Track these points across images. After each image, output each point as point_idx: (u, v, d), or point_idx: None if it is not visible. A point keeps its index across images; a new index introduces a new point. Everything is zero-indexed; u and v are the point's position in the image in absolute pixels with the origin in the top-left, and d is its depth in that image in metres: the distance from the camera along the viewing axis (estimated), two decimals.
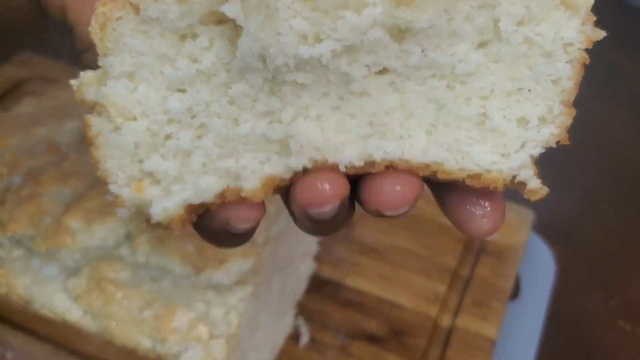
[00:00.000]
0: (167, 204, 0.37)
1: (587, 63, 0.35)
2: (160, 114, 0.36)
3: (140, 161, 0.37)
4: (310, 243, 0.90)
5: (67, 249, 0.69)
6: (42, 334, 0.73)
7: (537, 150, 0.36)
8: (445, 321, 0.86)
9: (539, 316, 0.89)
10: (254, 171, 0.37)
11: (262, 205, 0.38)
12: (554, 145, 0.37)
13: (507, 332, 0.87)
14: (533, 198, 0.37)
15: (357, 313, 0.87)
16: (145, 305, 0.66)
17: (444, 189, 0.39)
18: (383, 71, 0.36)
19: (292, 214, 0.39)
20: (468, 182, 0.36)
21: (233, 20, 0.34)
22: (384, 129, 0.36)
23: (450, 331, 0.85)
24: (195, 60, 0.35)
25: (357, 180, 0.38)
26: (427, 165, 0.37)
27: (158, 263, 0.68)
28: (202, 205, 0.37)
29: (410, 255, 0.93)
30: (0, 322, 0.75)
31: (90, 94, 0.35)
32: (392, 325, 0.86)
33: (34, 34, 1.24)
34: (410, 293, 0.89)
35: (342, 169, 0.36)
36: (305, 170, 0.37)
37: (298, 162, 0.36)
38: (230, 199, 0.37)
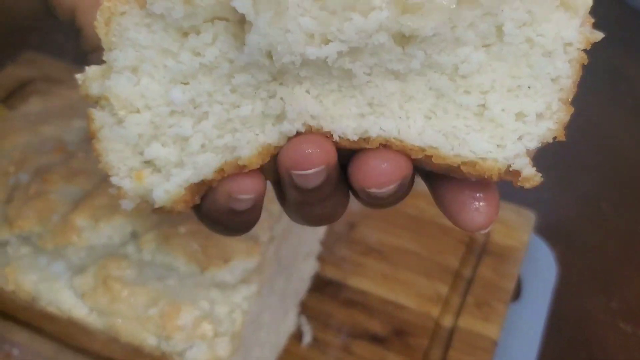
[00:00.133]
0: (167, 186, 0.37)
1: (585, 63, 0.36)
2: (163, 106, 0.37)
3: (142, 152, 0.37)
4: (313, 243, 0.90)
5: (74, 247, 0.69)
6: (47, 331, 0.74)
7: (533, 144, 0.37)
8: (447, 321, 0.87)
9: (541, 317, 0.89)
10: (250, 141, 0.37)
11: (261, 178, 0.38)
12: (551, 141, 0.37)
13: (509, 332, 0.87)
14: (527, 185, 0.37)
15: (359, 313, 0.88)
16: (150, 303, 0.67)
17: (439, 182, 0.40)
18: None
19: (280, 183, 0.39)
20: (463, 169, 0.37)
21: (237, 18, 0.35)
22: (383, 109, 0.37)
23: (452, 331, 0.85)
24: (198, 54, 0.36)
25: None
26: (422, 149, 0.37)
27: (163, 261, 0.69)
28: (202, 183, 0.38)
29: (412, 256, 0.94)
30: (7, 320, 0.76)
31: (94, 88, 0.36)
32: (394, 325, 0.87)
33: (39, 34, 1.24)
34: (413, 293, 0.89)
35: (336, 138, 0.37)
36: (298, 133, 0.37)
37: (291, 128, 0.37)
38: (229, 172, 0.37)
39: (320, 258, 0.92)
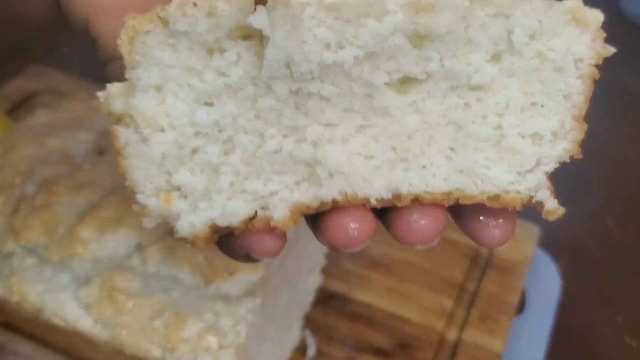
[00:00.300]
0: (194, 220, 0.37)
1: (597, 78, 0.36)
2: (188, 126, 0.37)
3: (168, 173, 0.37)
4: (317, 256, 0.90)
5: (79, 259, 0.69)
6: (52, 343, 0.74)
7: (551, 167, 0.38)
8: (452, 335, 0.87)
9: (545, 331, 0.89)
10: (283, 199, 0.38)
11: (284, 236, 0.39)
12: (568, 160, 0.38)
13: (513, 346, 0.87)
14: (551, 218, 0.38)
15: (363, 326, 0.88)
16: (155, 314, 0.67)
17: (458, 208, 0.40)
18: (404, 84, 0.37)
19: (318, 239, 0.40)
20: (488, 204, 0.38)
21: (259, 35, 0.35)
22: (407, 155, 0.38)
23: (456, 345, 0.85)
24: (222, 74, 0.36)
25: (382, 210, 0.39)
26: (450, 194, 0.38)
27: (168, 273, 0.69)
28: (227, 227, 0.38)
29: (417, 269, 0.94)
30: (12, 331, 0.76)
31: (117, 106, 0.36)
32: (398, 338, 0.86)
33: (46, 47, 1.25)
34: (417, 307, 0.89)
35: (373, 202, 0.38)
36: (335, 202, 0.38)
37: (329, 194, 0.37)
38: (258, 228, 0.37)
39: (325, 271, 0.92)
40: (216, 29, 0.35)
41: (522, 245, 0.95)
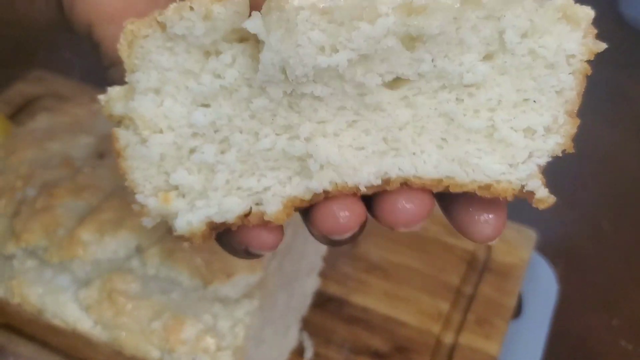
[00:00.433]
0: (191, 218, 0.38)
1: (589, 74, 0.37)
2: (185, 128, 0.38)
3: (167, 173, 0.38)
4: (315, 259, 0.91)
5: (79, 261, 0.70)
6: (52, 344, 0.74)
7: (543, 160, 0.38)
8: (448, 338, 0.87)
9: (541, 335, 0.90)
10: (276, 194, 0.38)
11: (281, 230, 0.40)
12: (560, 154, 0.38)
13: (510, 350, 0.87)
14: (541, 206, 0.38)
15: (361, 329, 0.88)
16: (154, 316, 0.67)
17: (449, 196, 0.41)
18: (396, 82, 0.38)
19: (310, 232, 0.41)
20: (479, 193, 0.38)
21: (254, 38, 0.36)
22: (398, 145, 0.38)
23: (453, 348, 0.86)
24: (218, 76, 0.37)
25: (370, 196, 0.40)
26: (440, 180, 0.38)
27: (167, 275, 0.70)
28: (223, 224, 0.39)
29: (414, 273, 0.94)
30: (12, 333, 0.76)
31: (118, 109, 0.37)
32: (395, 341, 0.87)
33: (47, 52, 1.26)
34: (414, 310, 0.90)
35: (363, 189, 0.38)
36: (326, 192, 0.38)
37: (319, 185, 0.38)
38: (253, 222, 0.38)
39: (323, 274, 0.93)
40: (212, 31, 0.36)
41: (519, 249, 0.96)
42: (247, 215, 0.39)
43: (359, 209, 0.39)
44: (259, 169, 0.39)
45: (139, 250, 0.71)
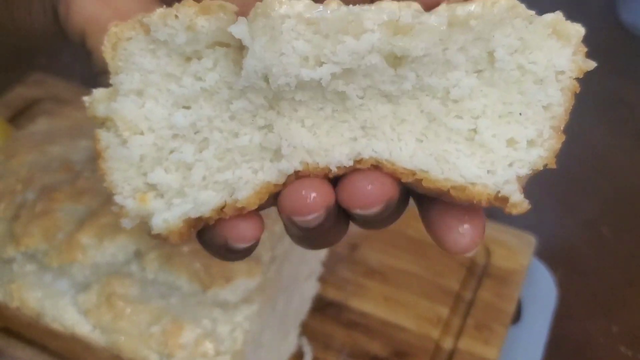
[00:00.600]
0: (167, 216, 0.38)
1: (578, 92, 0.37)
2: (166, 129, 0.38)
3: (145, 174, 0.38)
4: (314, 264, 0.91)
5: (79, 265, 0.70)
6: (51, 348, 0.74)
7: (524, 171, 0.37)
8: (448, 343, 0.87)
9: (540, 340, 0.90)
10: (248, 181, 0.38)
11: (259, 221, 0.39)
12: (542, 168, 0.37)
13: (509, 355, 0.87)
14: (514, 211, 0.37)
15: (360, 334, 0.88)
16: (153, 320, 0.67)
17: (428, 204, 0.40)
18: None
19: (280, 214, 0.40)
20: (452, 193, 0.37)
21: (238, 43, 0.36)
22: (375, 132, 0.38)
23: (452, 353, 0.86)
24: (199, 79, 0.37)
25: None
26: (413, 172, 0.37)
27: (166, 280, 0.70)
28: (200, 219, 0.38)
29: (413, 278, 0.94)
30: (11, 337, 0.76)
31: (101, 110, 0.37)
32: (394, 346, 0.87)
33: (47, 56, 1.26)
34: (413, 315, 0.90)
35: (334, 169, 0.38)
36: (297, 173, 0.38)
37: (289, 166, 0.38)
38: (229, 214, 0.38)
39: (322, 279, 0.93)
40: (194, 42, 0.36)
41: (518, 254, 0.96)
42: (222, 208, 0.38)
43: (327, 190, 0.38)
44: (236, 163, 0.39)
45: (138, 254, 0.71)
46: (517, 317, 0.92)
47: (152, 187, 0.38)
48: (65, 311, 0.69)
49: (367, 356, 0.86)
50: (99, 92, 0.37)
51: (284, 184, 0.38)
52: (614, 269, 1.04)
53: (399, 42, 0.35)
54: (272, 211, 0.42)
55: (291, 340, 0.86)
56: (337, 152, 0.38)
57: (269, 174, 0.38)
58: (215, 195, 0.38)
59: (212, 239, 0.40)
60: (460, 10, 0.35)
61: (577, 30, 0.36)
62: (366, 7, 0.35)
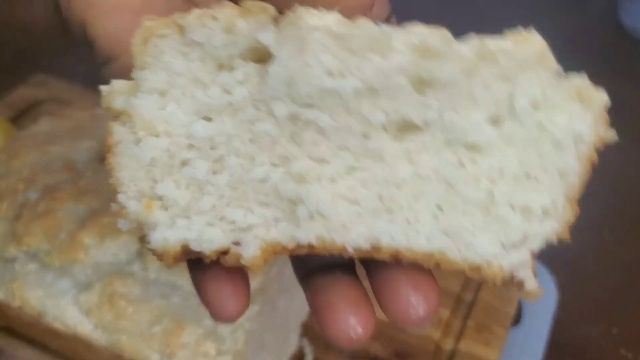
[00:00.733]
0: (169, 235, 0.37)
1: (596, 162, 0.35)
2: (182, 137, 0.36)
3: (154, 180, 0.37)
4: None
5: (80, 264, 0.70)
6: (52, 348, 0.74)
7: (537, 245, 0.36)
8: (448, 345, 0.87)
9: (541, 342, 0.90)
10: (257, 237, 0.37)
11: (247, 302, 0.38)
12: (555, 242, 0.36)
13: (509, 357, 0.87)
14: (530, 299, 0.37)
15: None
16: (155, 320, 0.68)
17: (375, 268, 0.38)
18: (401, 130, 0.36)
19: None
20: (468, 273, 0.36)
21: (269, 59, 0.35)
22: (392, 206, 0.36)
23: (452, 355, 0.86)
24: (227, 92, 0.36)
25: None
26: (431, 255, 0.36)
27: (168, 280, 0.70)
28: (199, 253, 0.37)
29: None
30: (12, 336, 0.76)
31: (118, 103, 0.36)
32: (395, 347, 0.87)
33: (50, 57, 1.27)
34: None
35: (350, 250, 0.36)
36: (310, 247, 0.37)
37: (305, 237, 0.36)
38: (229, 263, 0.37)
39: None
40: (231, 45, 0.35)
41: None
42: (224, 253, 0.37)
43: (371, 319, 0.37)
44: (248, 200, 0.37)
45: (140, 254, 0.71)
46: (517, 319, 0.92)
47: (159, 197, 0.37)
48: (66, 310, 0.70)
49: (368, 357, 0.86)
50: (118, 84, 0.36)
51: (293, 249, 0.37)
52: (615, 271, 1.04)
53: (427, 64, 0.34)
54: None
55: (292, 341, 0.86)
56: (355, 231, 0.36)
57: (282, 235, 0.37)
58: (221, 236, 0.37)
59: (198, 284, 0.39)
60: (492, 43, 0.34)
61: (602, 97, 0.34)
62: (396, 28, 0.34)
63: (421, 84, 0.35)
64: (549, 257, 0.99)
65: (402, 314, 0.37)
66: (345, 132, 0.36)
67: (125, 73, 0.41)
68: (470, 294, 0.93)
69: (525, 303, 0.94)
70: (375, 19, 0.35)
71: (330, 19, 0.34)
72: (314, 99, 0.35)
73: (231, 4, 0.35)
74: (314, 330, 0.88)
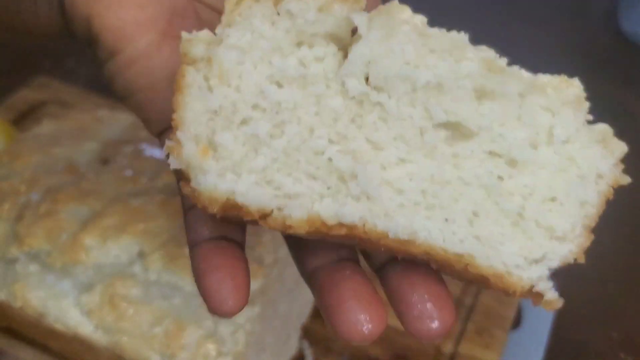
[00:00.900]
0: (219, 183, 0.37)
1: (610, 198, 0.39)
2: (251, 95, 0.38)
3: (213, 129, 0.38)
4: None
5: (82, 265, 0.71)
6: (54, 349, 0.75)
7: (555, 264, 0.39)
8: (448, 348, 0.87)
9: (540, 345, 0.90)
10: (302, 206, 0.38)
11: (243, 301, 0.39)
12: (571, 262, 0.40)
13: None
14: (548, 309, 0.40)
15: None
16: (155, 321, 0.68)
17: (392, 276, 0.41)
18: (454, 136, 0.40)
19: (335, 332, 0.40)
20: (492, 281, 0.39)
21: (347, 42, 0.39)
22: (433, 203, 0.39)
23: (452, 357, 0.86)
24: (304, 65, 0.39)
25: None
26: (462, 257, 0.38)
27: (169, 281, 0.70)
28: (241, 209, 0.38)
29: None
30: (14, 337, 0.76)
31: (199, 50, 0.38)
32: (395, 350, 0.87)
33: (52, 60, 1.27)
34: None
35: (392, 236, 0.38)
36: (350, 229, 0.38)
37: (350, 216, 0.38)
38: (273, 226, 0.38)
39: None
40: (319, 24, 0.38)
41: None
42: (267, 215, 0.38)
43: (383, 316, 0.39)
44: (299, 170, 0.38)
45: (141, 255, 0.72)
46: (517, 322, 0.92)
47: (214, 146, 0.38)
48: (68, 311, 0.70)
49: (368, 359, 0.86)
50: (202, 33, 0.38)
51: (330, 228, 0.38)
52: (614, 275, 1.05)
53: (492, 77, 0.38)
54: None
55: (292, 343, 0.86)
56: (395, 221, 0.38)
57: (326, 210, 0.38)
58: (268, 197, 0.38)
59: (199, 288, 0.40)
60: (543, 77, 0.38)
61: (622, 146, 0.39)
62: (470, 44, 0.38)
63: (480, 95, 0.39)
64: None
65: (419, 325, 0.39)
66: (406, 122, 0.39)
67: (129, 66, 0.41)
68: (470, 298, 0.93)
69: (525, 306, 0.94)
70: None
71: (419, 19, 0.38)
72: (387, 83, 0.38)
73: None
74: (314, 333, 0.88)
